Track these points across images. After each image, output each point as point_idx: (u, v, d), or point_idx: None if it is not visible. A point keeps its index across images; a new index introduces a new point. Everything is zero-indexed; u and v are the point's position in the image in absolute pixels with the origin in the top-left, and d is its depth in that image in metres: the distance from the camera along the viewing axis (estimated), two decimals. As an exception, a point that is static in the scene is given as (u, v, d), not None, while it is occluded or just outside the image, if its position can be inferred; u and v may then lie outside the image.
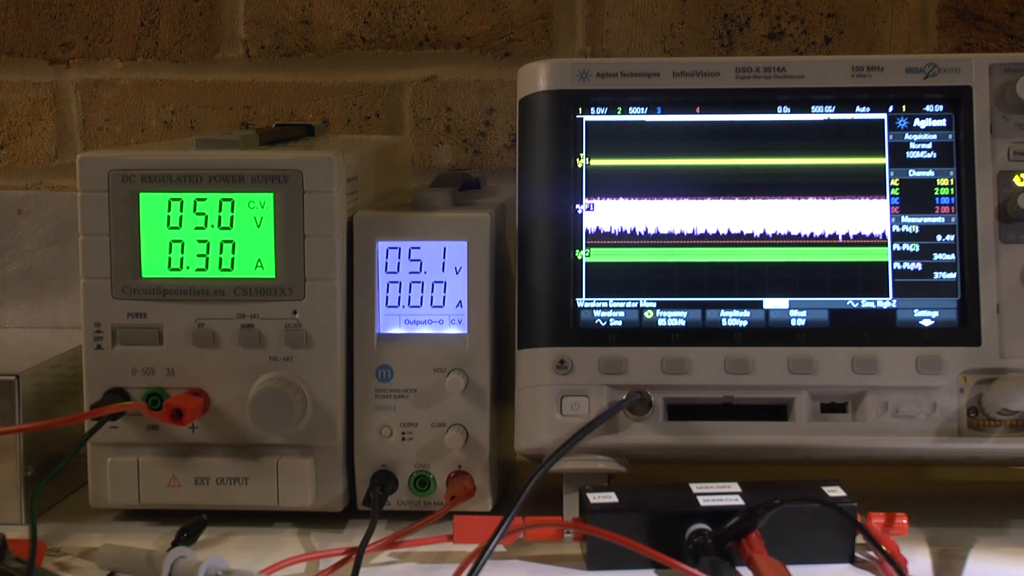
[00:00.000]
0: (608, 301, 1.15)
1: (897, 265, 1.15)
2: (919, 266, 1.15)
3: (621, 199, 1.17)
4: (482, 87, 1.50)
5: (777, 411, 1.14)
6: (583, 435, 1.11)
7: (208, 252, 1.14)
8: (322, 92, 1.52)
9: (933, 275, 1.15)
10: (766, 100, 1.17)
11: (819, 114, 1.17)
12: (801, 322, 1.14)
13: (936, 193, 1.16)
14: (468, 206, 1.21)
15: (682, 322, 1.15)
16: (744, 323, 1.15)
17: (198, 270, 1.14)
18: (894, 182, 1.16)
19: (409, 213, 1.17)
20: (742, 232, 1.16)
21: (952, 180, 1.16)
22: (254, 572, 1.01)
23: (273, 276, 1.14)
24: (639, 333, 1.14)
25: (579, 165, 1.17)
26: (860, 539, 1.07)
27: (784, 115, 1.18)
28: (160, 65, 1.53)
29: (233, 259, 1.14)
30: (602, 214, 1.17)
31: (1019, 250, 1.14)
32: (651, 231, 1.17)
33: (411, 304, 1.16)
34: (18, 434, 1.16)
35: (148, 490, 1.15)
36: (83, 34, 1.53)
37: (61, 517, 1.19)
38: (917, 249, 1.15)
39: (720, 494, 1.07)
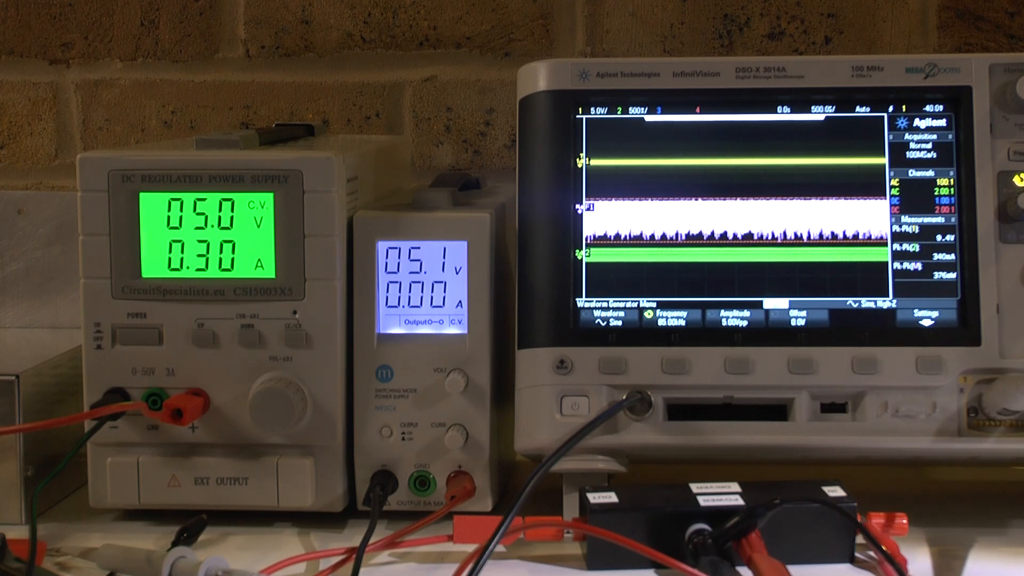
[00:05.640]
0: (608, 301, 1.15)
1: (897, 265, 1.15)
2: (919, 266, 1.15)
3: (621, 199, 1.17)
4: (482, 87, 1.50)
5: (777, 411, 1.14)
6: (583, 435, 1.11)
7: (208, 252, 1.14)
8: (322, 92, 1.52)
9: (933, 275, 1.15)
10: (766, 100, 1.17)
11: (819, 114, 1.17)
12: (801, 322, 1.14)
13: (936, 193, 1.16)
14: (468, 206, 1.21)
15: (682, 322, 1.15)
16: (744, 323, 1.15)
17: (198, 270, 1.14)
18: (894, 182, 1.16)
19: (409, 213, 1.17)
20: (742, 232, 1.16)
21: (952, 180, 1.16)
22: (254, 572, 1.01)
23: (273, 276, 1.14)
24: (639, 333, 1.14)
25: (579, 165, 1.17)
26: (860, 539, 1.07)
27: (784, 115, 1.17)
28: (160, 65, 1.53)
29: (233, 259, 1.14)
30: (602, 214, 1.17)
31: (1019, 250, 1.14)
32: (651, 231, 1.17)
33: (411, 304, 1.16)
34: (18, 434, 1.16)
35: (148, 490, 1.15)
36: (83, 34, 1.53)
37: (61, 517, 1.19)
38: (917, 249, 1.15)
39: (720, 494, 1.07)
